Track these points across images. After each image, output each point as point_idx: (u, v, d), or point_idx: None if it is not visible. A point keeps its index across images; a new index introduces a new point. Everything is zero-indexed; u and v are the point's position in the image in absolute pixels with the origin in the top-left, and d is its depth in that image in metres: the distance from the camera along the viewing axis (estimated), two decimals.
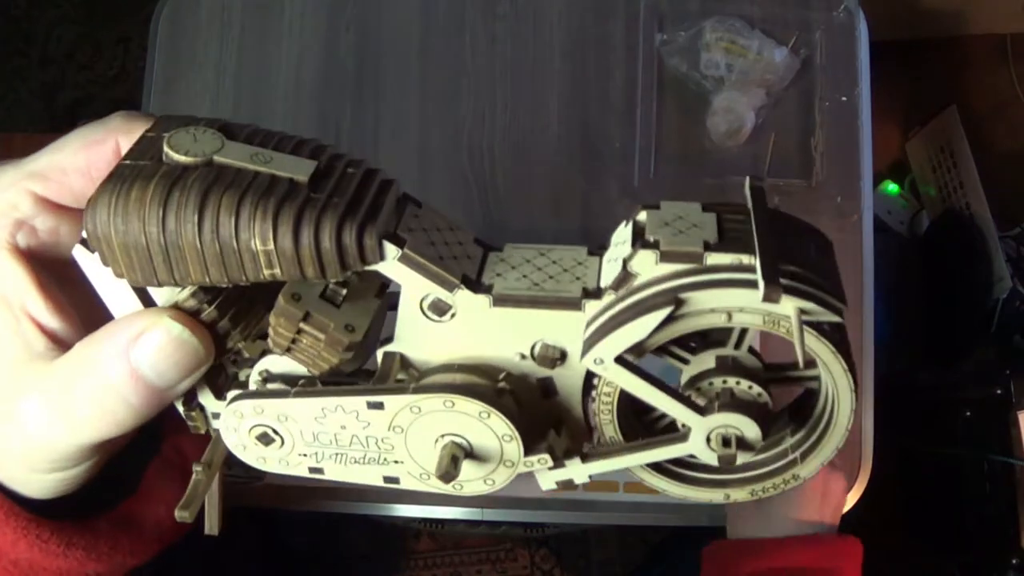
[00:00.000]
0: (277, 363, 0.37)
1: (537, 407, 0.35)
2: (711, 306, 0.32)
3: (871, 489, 0.67)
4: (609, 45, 0.86)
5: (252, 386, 0.37)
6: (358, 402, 0.35)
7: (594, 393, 0.35)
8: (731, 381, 0.35)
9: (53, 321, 0.35)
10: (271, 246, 0.32)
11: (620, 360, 0.33)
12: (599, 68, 0.85)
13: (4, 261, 0.35)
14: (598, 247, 0.35)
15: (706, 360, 0.35)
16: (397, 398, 0.35)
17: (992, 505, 0.98)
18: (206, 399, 0.38)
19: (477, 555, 0.71)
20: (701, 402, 0.35)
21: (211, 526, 0.40)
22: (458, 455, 0.35)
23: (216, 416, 0.38)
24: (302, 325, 0.34)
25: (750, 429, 0.34)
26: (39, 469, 0.35)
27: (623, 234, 0.34)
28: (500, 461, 0.36)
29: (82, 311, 0.36)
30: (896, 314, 1.19)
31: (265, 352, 0.37)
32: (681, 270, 0.32)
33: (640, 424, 0.37)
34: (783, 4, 0.85)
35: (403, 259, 0.33)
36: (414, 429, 0.35)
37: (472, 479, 0.36)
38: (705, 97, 0.83)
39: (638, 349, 0.33)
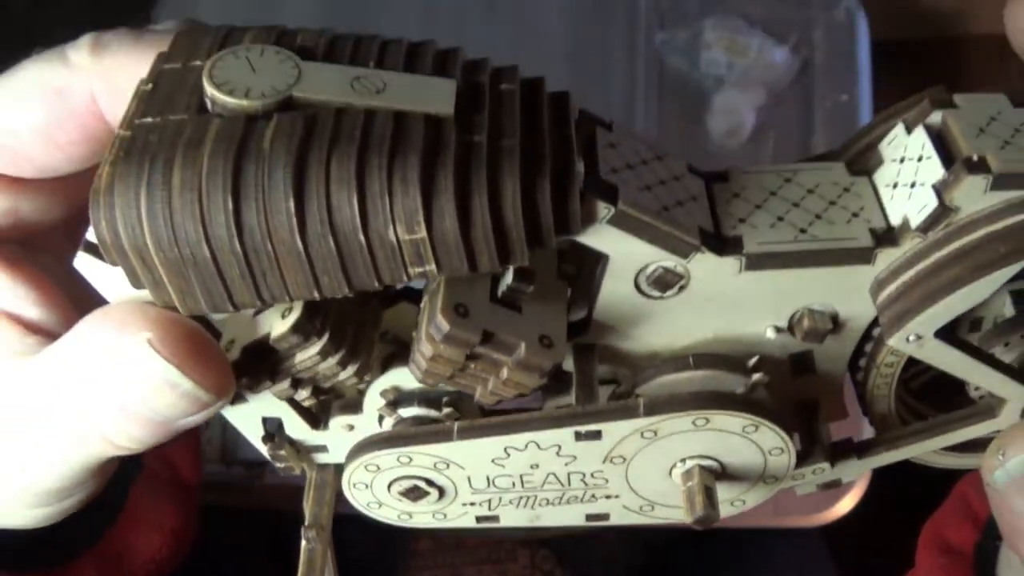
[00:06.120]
0: (410, 376, 0.25)
1: (786, 388, 0.27)
2: None
3: (871, 489, 0.67)
4: (609, 45, 0.86)
5: (374, 413, 0.27)
6: (562, 435, 0.25)
7: (864, 363, 0.26)
8: None
9: (27, 308, 0.26)
10: (422, 232, 0.20)
11: (942, 334, 0.24)
12: (599, 68, 0.85)
13: None
14: (856, 157, 0.26)
15: (996, 302, 0.26)
16: (622, 424, 0.24)
17: None
18: (297, 430, 0.27)
19: (477, 555, 0.70)
20: (1008, 359, 0.27)
21: None
22: (711, 486, 0.25)
23: (318, 450, 0.27)
24: (478, 350, 0.23)
25: None
26: (26, 504, 0.28)
27: (911, 145, 0.24)
28: (760, 478, 0.27)
29: (62, 284, 0.27)
30: None
31: (389, 360, 0.26)
32: (1015, 200, 0.23)
33: (909, 392, 0.29)
34: (783, 3, 0.85)
35: (617, 219, 0.22)
36: (642, 457, 0.26)
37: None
38: (705, 97, 0.83)
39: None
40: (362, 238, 0.20)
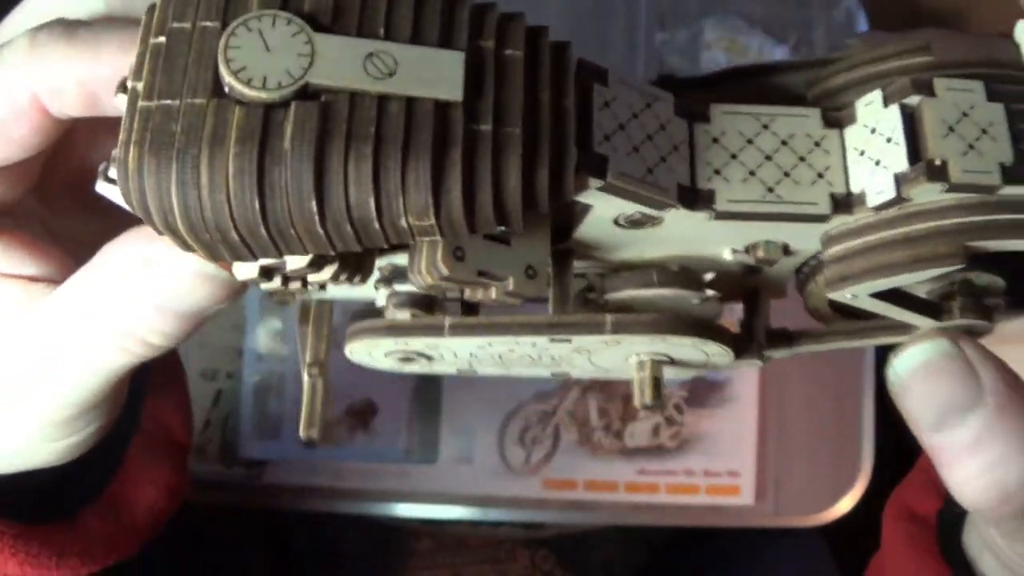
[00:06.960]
0: (405, 257, 0.28)
1: (734, 284, 0.31)
2: (1005, 249, 0.25)
3: (871, 489, 0.67)
4: (609, 45, 0.86)
5: (371, 278, 0.29)
6: (538, 337, 0.29)
7: (806, 271, 0.30)
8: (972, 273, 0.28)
9: (24, 267, 0.29)
10: (431, 221, 0.23)
11: (876, 294, 0.28)
12: None
13: None
14: (831, 107, 0.28)
15: None
16: (591, 337, 0.29)
17: None
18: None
19: (477, 555, 0.71)
20: (923, 292, 0.29)
21: (314, 427, 0.31)
22: (660, 377, 0.30)
23: (316, 287, 0.29)
24: (472, 279, 0.26)
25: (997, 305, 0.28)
26: (50, 437, 0.30)
27: (884, 120, 0.26)
28: (704, 366, 0.31)
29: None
30: None
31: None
32: (967, 202, 0.25)
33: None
34: (783, 3, 0.85)
35: (605, 188, 0.25)
36: (604, 350, 0.30)
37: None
38: None
39: None
40: (377, 226, 0.23)
